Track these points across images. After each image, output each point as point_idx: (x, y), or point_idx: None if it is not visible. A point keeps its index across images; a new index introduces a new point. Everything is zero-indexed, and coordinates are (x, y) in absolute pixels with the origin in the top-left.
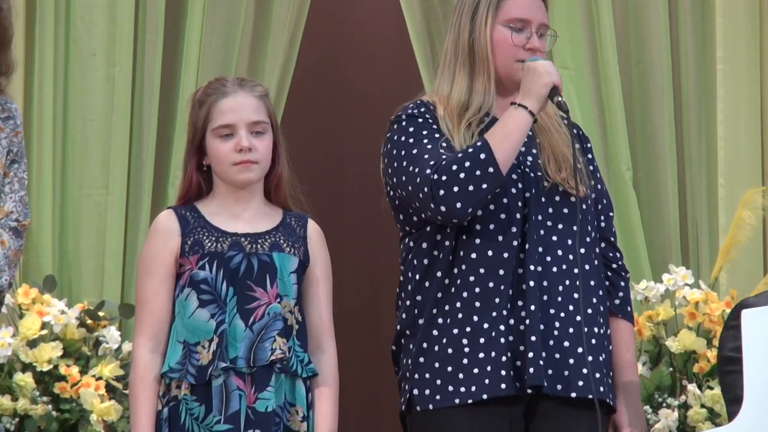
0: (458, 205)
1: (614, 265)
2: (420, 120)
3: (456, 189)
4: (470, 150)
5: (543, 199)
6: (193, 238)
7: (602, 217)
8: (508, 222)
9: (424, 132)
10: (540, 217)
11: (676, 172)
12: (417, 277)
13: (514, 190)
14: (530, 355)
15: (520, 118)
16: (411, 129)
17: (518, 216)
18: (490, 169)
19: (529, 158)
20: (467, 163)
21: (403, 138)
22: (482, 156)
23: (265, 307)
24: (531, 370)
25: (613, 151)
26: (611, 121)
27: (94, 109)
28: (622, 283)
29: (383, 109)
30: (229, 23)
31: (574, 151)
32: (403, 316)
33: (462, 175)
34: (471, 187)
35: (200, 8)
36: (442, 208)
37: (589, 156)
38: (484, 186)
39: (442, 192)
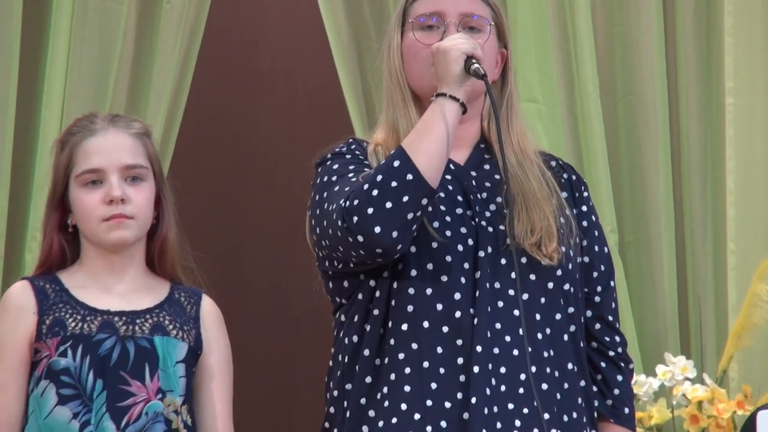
0: (377, 229)
1: (611, 353)
2: (348, 156)
3: (371, 210)
4: (383, 162)
5: (503, 262)
6: (52, 316)
7: (598, 289)
8: (450, 287)
9: (351, 167)
10: (497, 285)
11: (673, 236)
12: (346, 359)
13: (461, 248)
14: None
15: (441, 108)
16: (336, 166)
17: (464, 280)
18: (409, 177)
19: (492, 207)
20: (380, 177)
21: (325, 179)
22: (396, 163)
23: (142, 404)
24: None
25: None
26: (591, 169)
27: None
28: (620, 377)
29: (300, 149)
30: (103, 45)
31: (501, 143)
32: (331, 410)
33: (375, 192)
34: (389, 204)
35: (66, 26)
36: (360, 238)
37: (584, 208)
38: (405, 199)
39: (355, 219)
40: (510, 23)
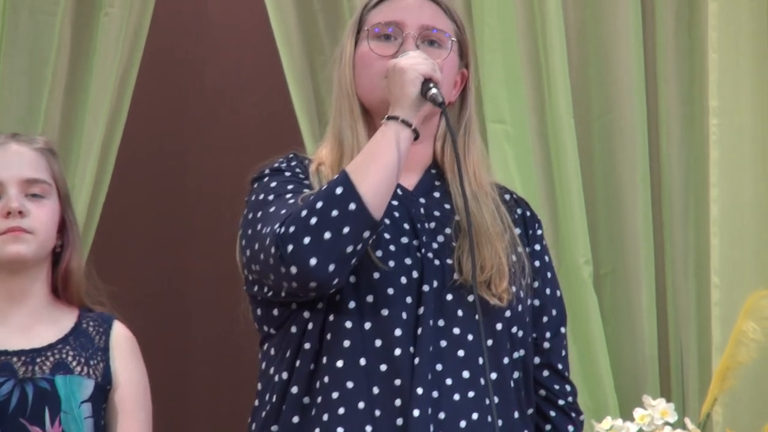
0: (313, 261)
1: (561, 402)
2: (288, 174)
3: (307, 240)
4: (324, 187)
5: (449, 298)
6: None
7: (548, 335)
8: (391, 322)
9: (290, 186)
10: (441, 322)
11: (652, 268)
12: (274, 398)
13: (404, 280)
14: None
15: (390, 133)
16: (273, 184)
17: (406, 316)
18: (352, 206)
19: (440, 238)
20: (320, 204)
21: (261, 196)
22: (339, 190)
23: None
24: None
25: (567, 238)
26: (564, 196)
27: None
28: (571, 428)
29: (248, 169)
30: (35, 57)
31: (460, 173)
32: None
33: (313, 221)
34: (327, 235)
35: None
36: (293, 269)
37: (537, 247)
38: (346, 230)
39: (290, 247)
40: (476, 36)
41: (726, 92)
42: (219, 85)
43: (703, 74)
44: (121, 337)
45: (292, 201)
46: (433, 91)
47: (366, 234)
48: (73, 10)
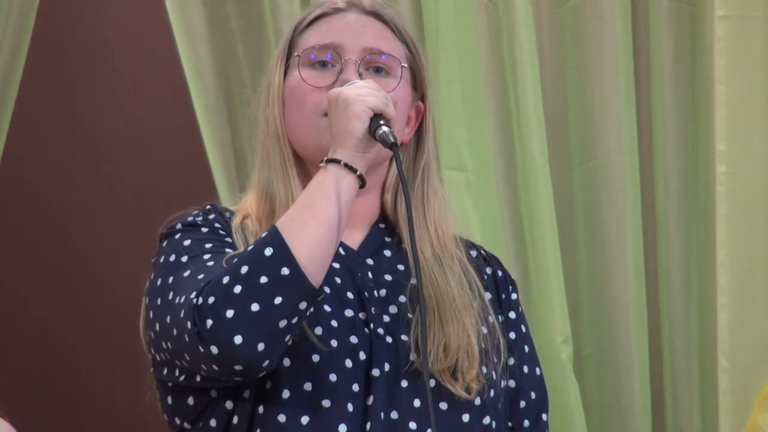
0: (238, 339)
1: None
2: (205, 229)
3: (230, 313)
4: (250, 247)
5: (404, 384)
6: None
7: (526, 423)
8: (334, 415)
9: (208, 245)
10: (394, 415)
11: (646, 348)
12: None
13: (349, 363)
14: None
15: (330, 180)
16: (187, 242)
17: (352, 408)
18: (285, 271)
19: (392, 309)
20: (245, 268)
21: (173, 258)
22: (268, 251)
23: None
24: None
25: (541, 312)
26: (537, 259)
27: None
28: None
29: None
30: None
31: (413, 242)
32: None
33: (238, 289)
34: (255, 307)
35: None
36: (214, 349)
37: (512, 315)
38: (278, 301)
39: (210, 322)
40: (430, 64)
41: (736, 133)
42: (115, 124)
43: (709, 111)
44: None
45: (211, 264)
46: (384, 129)
47: (303, 305)
48: None
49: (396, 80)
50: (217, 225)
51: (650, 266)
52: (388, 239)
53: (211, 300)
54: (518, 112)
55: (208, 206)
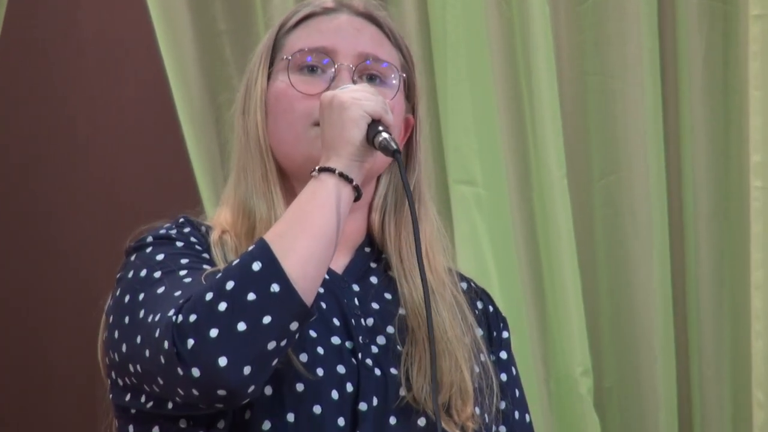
0: (222, 361)
1: None
2: (180, 243)
3: (215, 333)
4: (235, 261)
5: (392, 421)
6: None
7: None
8: None
9: (184, 260)
10: None
11: (674, 381)
12: None
13: (335, 394)
14: None
15: (324, 190)
16: (160, 257)
17: None
18: (275, 288)
19: (380, 340)
20: (230, 284)
21: (144, 273)
22: (257, 266)
23: None
24: None
25: (558, 341)
26: (554, 282)
27: None
28: None
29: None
30: None
31: (421, 267)
32: None
33: (223, 307)
34: (242, 326)
35: None
36: (195, 372)
37: (503, 355)
38: (267, 320)
39: (191, 342)
40: (437, 68)
41: None
42: (90, 131)
43: (743, 119)
44: None
45: (189, 280)
46: (384, 135)
47: (294, 326)
48: None
49: (391, 90)
50: (192, 239)
51: (678, 290)
52: (373, 264)
53: (192, 318)
54: (533, 120)
55: (182, 219)
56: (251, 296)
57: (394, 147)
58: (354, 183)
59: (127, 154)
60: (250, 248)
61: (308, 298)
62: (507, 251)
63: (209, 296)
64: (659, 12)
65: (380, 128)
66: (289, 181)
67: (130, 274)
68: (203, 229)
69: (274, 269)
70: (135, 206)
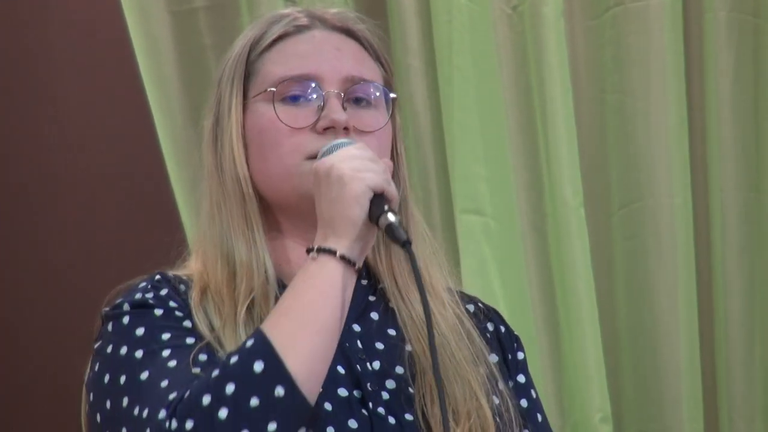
0: None
1: None
2: (158, 311)
3: None
4: (235, 358)
5: None
6: None
7: None
8: None
9: (165, 335)
10: None
11: (701, 429)
12: None
13: None
14: None
15: (324, 277)
16: (140, 331)
17: None
18: (279, 391)
19: (389, 384)
20: (230, 387)
21: (123, 351)
22: (258, 366)
23: None
24: None
25: (575, 384)
26: (570, 320)
27: None
28: None
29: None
30: None
31: (433, 354)
32: None
33: (224, 414)
34: None
35: None
36: None
37: (521, 379)
38: (272, 427)
39: None
40: (441, 85)
41: None
42: (63, 160)
43: None
44: None
45: (173, 364)
46: (391, 218)
47: (302, 430)
48: None
49: (382, 114)
50: (172, 304)
51: (705, 330)
52: (372, 298)
53: (189, 425)
54: (547, 144)
55: (157, 276)
56: (254, 402)
57: (404, 237)
58: (357, 266)
59: (103, 185)
60: (249, 343)
61: (314, 398)
62: (518, 287)
63: (206, 400)
64: (684, 25)
65: (385, 207)
66: (273, 216)
67: (109, 349)
68: (181, 287)
69: (277, 370)
70: (116, 239)
